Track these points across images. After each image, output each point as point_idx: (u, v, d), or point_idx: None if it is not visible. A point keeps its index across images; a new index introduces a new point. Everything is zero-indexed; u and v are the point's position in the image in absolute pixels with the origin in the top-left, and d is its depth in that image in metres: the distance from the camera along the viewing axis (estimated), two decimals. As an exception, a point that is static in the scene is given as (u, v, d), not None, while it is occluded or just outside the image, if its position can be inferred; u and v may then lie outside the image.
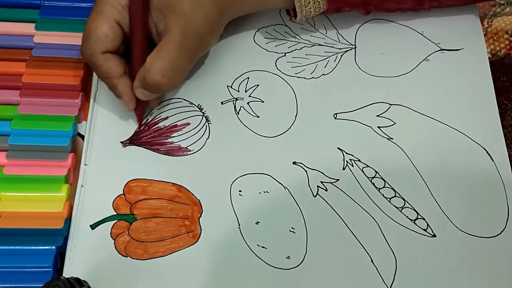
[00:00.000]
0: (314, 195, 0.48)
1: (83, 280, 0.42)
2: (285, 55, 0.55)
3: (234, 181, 0.49)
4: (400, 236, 0.47)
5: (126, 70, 0.49)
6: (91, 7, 0.54)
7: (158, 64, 0.45)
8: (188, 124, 0.51)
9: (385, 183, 0.49)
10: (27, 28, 0.54)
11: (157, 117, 0.51)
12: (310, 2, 0.49)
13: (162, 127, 0.51)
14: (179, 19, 0.46)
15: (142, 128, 0.51)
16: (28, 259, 0.45)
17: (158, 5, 0.47)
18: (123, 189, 0.48)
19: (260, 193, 0.48)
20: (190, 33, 0.46)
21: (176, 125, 0.51)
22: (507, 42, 0.58)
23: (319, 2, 0.50)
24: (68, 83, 0.51)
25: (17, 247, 0.45)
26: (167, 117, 0.51)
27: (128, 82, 0.48)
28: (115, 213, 0.47)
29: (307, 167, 0.49)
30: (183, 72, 0.48)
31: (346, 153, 0.50)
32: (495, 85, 0.54)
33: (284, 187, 0.49)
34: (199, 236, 0.47)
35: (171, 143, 0.50)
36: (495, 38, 0.58)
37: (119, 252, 0.46)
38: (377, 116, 0.52)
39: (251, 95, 0.52)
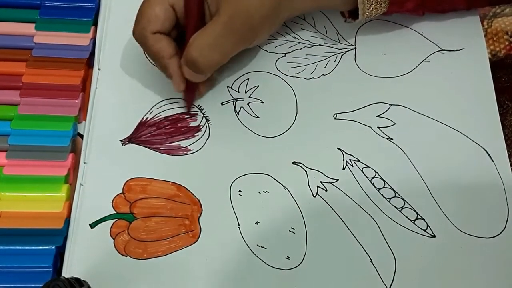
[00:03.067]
0: (314, 195, 0.48)
1: (83, 280, 0.42)
2: (285, 56, 0.55)
3: (234, 181, 0.49)
4: (400, 236, 0.47)
5: (177, 51, 0.48)
6: (91, 7, 0.55)
7: (199, 41, 0.45)
8: (188, 124, 0.51)
9: (384, 184, 0.49)
10: (27, 28, 0.54)
11: (157, 116, 0.51)
12: (372, 3, 0.49)
13: (162, 126, 0.51)
14: (231, 1, 0.45)
15: (142, 126, 0.51)
16: (28, 259, 0.45)
17: None
18: (123, 188, 0.48)
19: (260, 193, 0.48)
20: (239, 17, 0.45)
21: (176, 125, 0.51)
22: (507, 43, 0.58)
23: (381, 4, 0.50)
24: (68, 83, 0.52)
25: (17, 247, 0.45)
26: (167, 117, 0.51)
27: (179, 62, 0.48)
28: (115, 212, 0.47)
29: (307, 167, 0.49)
30: (222, 54, 0.48)
31: (346, 153, 0.50)
32: (496, 85, 0.54)
33: (284, 187, 0.49)
34: (199, 236, 0.47)
35: (170, 143, 0.50)
36: (495, 38, 0.58)
37: (118, 252, 0.46)
38: (377, 116, 0.52)
39: (251, 96, 0.53)
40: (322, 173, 0.49)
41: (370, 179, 0.49)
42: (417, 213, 0.48)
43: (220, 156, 0.50)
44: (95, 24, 0.55)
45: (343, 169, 0.50)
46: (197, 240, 0.47)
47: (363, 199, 0.48)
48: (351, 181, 0.49)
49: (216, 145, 0.50)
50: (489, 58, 0.56)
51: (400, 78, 0.54)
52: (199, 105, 0.52)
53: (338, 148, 0.50)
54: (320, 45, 0.56)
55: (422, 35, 0.56)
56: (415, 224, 0.47)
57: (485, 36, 0.58)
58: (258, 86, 0.53)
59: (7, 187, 0.48)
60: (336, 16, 0.56)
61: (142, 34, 0.47)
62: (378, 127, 0.51)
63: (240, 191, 0.48)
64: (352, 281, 0.45)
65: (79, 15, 0.55)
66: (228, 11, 0.45)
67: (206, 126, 0.51)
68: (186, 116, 0.52)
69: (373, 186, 0.49)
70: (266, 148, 0.50)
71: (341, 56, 0.55)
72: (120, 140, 0.50)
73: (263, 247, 0.46)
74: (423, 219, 0.48)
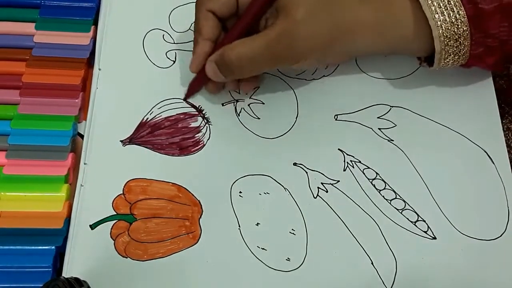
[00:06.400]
0: (315, 196, 0.48)
1: (83, 280, 0.42)
2: (286, 56, 0.55)
3: (234, 182, 0.49)
4: (401, 238, 0.47)
5: (217, 39, 0.49)
6: (91, 6, 0.55)
7: (241, 48, 0.46)
8: (188, 124, 0.51)
9: (385, 185, 0.49)
10: (27, 27, 0.54)
11: (157, 116, 0.51)
12: (450, 55, 0.47)
13: (162, 126, 0.51)
14: (286, 22, 0.45)
15: (143, 126, 0.51)
16: (28, 259, 0.45)
17: (278, 3, 0.46)
18: (123, 188, 0.48)
19: (260, 194, 0.48)
20: (286, 39, 0.45)
21: (177, 125, 0.51)
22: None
23: (460, 56, 0.48)
24: (68, 83, 0.51)
25: (17, 247, 0.45)
26: (168, 117, 0.51)
27: (208, 48, 0.48)
28: (115, 213, 0.47)
29: (307, 168, 0.49)
30: (257, 68, 0.48)
31: (347, 155, 0.50)
32: (493, 87, 0.54)
33: (284, 188, 0.49)
34: (199, 237, 0.47)
35: (171, 143, 0.50)
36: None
37: (119, 253, 0.46)
38: (378, 117, 0.52)
39: (251, 97, 0.52)
40: (323, 174, 0.49)
41: (370, 180, 0.49)
42: (418, 215, 0.48)
43: (221, 157, 0.50)
44: (96, 23, 0.55)
45: (344, 170, 0.50)
46: (197, 241, 0.46)
47: (363, 200, 0.48)
48: (351, 183, 0.49)
49: (216, 146, 0.50)
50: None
51: (401, 79, 0.54)
52: (199, 105, 0.52)
53: (339, 149, 0.50)
54: (321, 46, 0.55)
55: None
56: (416, 225, 0.47)
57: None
58: (258, 87, 0.53)
59: (7, 186, 0.47)
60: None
61: (199, 6, 0.48)
62: (379, 129, 0.51)
63: (240, 192, 0.48)
64: (352, 282, 0.45)
65: (79, 15, 0.55)
66: (279, 29, 0.45)
67: (207, 126, 0.51)
68: (187, 117, 0.51)
69: (373, 188, 0.49)
70: (266, 149, 0.50)
71: (342, 57, 0.55)
72: (120, 141, 0.50)
73: (263, 249, 0.46)
74: (424, 221, 0.48)
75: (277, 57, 0.46)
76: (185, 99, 0.52)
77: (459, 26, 0.46)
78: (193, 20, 0.54)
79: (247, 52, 0.46)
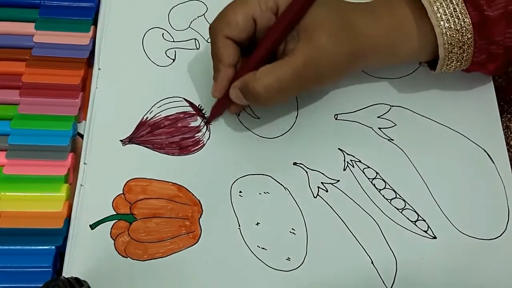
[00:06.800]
0: (315, 196, 0.48)
1: (83, 280, 0.42)
2: (286, 56, 0.54)
3: (234, 181, 0.49)
4: (401, 237, 0.47)
5: (237, 63, 0.48)
6: (91, 6, 0.55)
7: (268, 79, 0.45)
8: (188, 124, 0.51)
9: (385, 184, 0.49)
10: (27, 27, 0.54)
11: (157, 115, 0.51)
12: (453, 61, 0.47)
13: (162, 126, 0.51)
14: (310, 48, 0.45)
15: (143, 126, 0.51)
16: (28, 259, 0.45)
17: (298, 27, 0.46)
18: (123, 188, 0.48)
19: (260, 194, 0.48)
20: (312, 66, 0.45)
21: (177, 124, 0.51)
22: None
23: (462, 62, 0.48)
24: (68, 83, 0.51)
25: (17, 247, 0.45)
26: (167, 116, 0.51)
27: (231, 75, 0.48)
28: (115, 213, 0.47)
29: (307, 168, 0.49)
30: (285, 96, 0.48)
31: (347, 154, 0.50)
32: (491, 86, 0.54)
33: (284, 188, 0.49)
34: (199, 237, 0.47)
35: (171, 143, 0.50)
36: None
37: (119, 253, 0.46)
38: (378, 117, 0.52)
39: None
40: (323, 174, 0.49)
41: (371, 179, 0.49)
42: (418, 214, 0.48)
43: (221, 156, 0.50)
44: (95, 23, 0.55)
45: (344, 169, 0.50)
46: (197, 241, 0.46)
47: (363, 200, 0.48)
48: (352, 182, 0.49)
49: (216, 146, 0.50)
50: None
51: (401, 79, 0.54)
52: (199, 105, 0.52)
53: (339, 149, 0.50)
54: (321, 45, 0.55)
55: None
56: (416, 225, 0.47)
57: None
58: None
59: (7, 186, 0.47)
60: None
61: (216, 33, 0.47)
62: (379, 128, 0.51)
63: (240, 192, 0.48)
64: (353, 282, 0.45)
65: (79, 15, 0.55)
66: (304, 57, 0.44)
67: (207, 126, 0.51)
68: (187, 116, 0.51)
69: (373, 187, 0.49)
70: (266, 149, 0.50)
71: (342, 56, 0.55)
72: (120, 140, 0.50)
73: (263, 248, 0.46)
74: (424, 220, 0.48)
75: (304, 84, 0.46)
76: (207, 123, 0.51)
77: (464, 34, 0.46)
78: (193, 18, 0.55)
79: (273, 83, 0.45)
